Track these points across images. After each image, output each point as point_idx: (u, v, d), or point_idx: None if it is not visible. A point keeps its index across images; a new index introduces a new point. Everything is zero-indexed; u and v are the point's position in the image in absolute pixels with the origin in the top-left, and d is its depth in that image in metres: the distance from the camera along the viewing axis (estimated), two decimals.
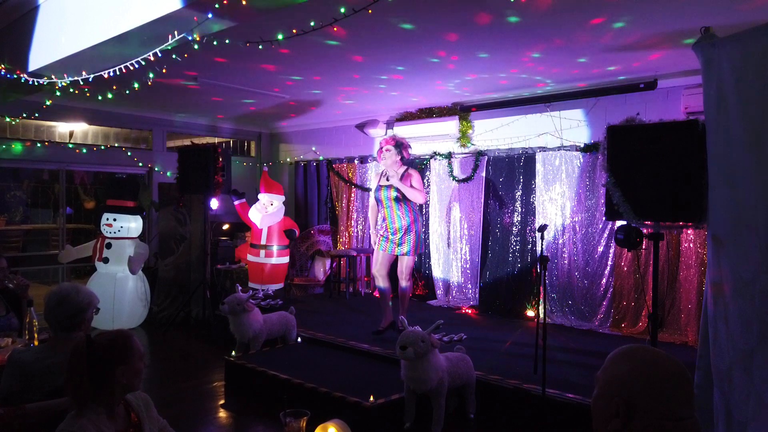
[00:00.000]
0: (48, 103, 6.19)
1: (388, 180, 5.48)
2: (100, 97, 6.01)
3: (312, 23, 3.77)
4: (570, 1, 3.71)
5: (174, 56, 4.38)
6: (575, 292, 6.19)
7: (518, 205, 6.67)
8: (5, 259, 3.89)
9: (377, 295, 5.98)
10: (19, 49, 5.27)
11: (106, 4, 4.33)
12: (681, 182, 3.09)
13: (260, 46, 4.16)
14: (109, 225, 6.85)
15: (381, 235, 5.52)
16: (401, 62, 5.28)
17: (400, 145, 5.50)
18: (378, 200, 5.56)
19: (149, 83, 5.26)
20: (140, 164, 8.33)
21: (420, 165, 7.33)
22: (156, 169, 8.48)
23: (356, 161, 8.39)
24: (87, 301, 2.52)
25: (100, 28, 4.33)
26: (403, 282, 5.47)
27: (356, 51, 4.94)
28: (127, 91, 5.50)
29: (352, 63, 5.33)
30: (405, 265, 5.46)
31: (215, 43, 4.13)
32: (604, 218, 5.63)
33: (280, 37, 3.98)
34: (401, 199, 5.39)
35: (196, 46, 4.08)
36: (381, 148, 5.53)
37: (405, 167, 5.55)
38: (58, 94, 5.40)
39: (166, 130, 8.72)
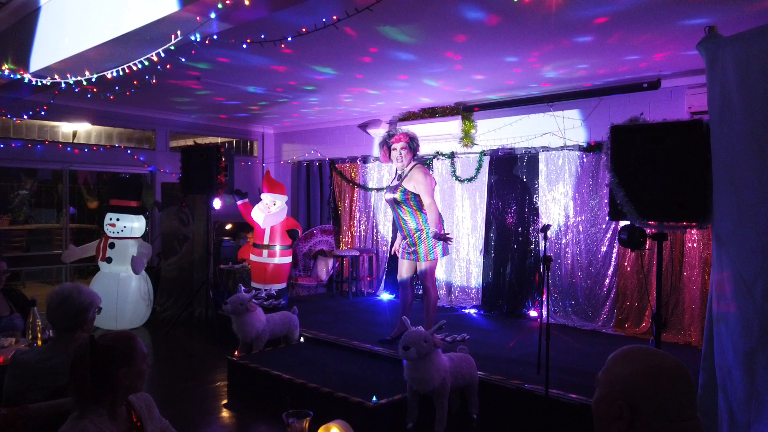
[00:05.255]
0: (51, 101, 6.21)
1: (399, 179, 5.15)
2: (104, 96, 6.03)
3: (315, 24, 3.77)
4: (573, 2, 3.70)
5: (181, 57, 4.38)
6: (578, 293, 6.17)
7: (521, 205, 6.65)
8: (5, 263, 3.90)
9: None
10: (22, 50, 5.28)
11: (109, 4, 4.33)
12: (685, 182, 3.07)
13: (262, 45, 4.16)
14: (113, 225, 6.86)
15: (402, 242, 5.23)
16: (405, 63, 5.27)
17: (414, 141, 5.14)
18: (387, 202, 5.31)
19: (154, 81, 5.26)
20: (145, 164, 8.34)
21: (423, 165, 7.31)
22: (159, 169, 8.50)
23: (359, 161, 8.39)
24: (89, 301, 2.52)
25: (103, 29, 4.34)
26: (425, 289, 5.14)
27: (360, 51, 4.93)
28: (133, 90, 5.51)
29: (356, 63, 5.32)
30: (421, 271, 5.11)
31: (217, 40, 4.13)
32: (607, 218, 5.63)
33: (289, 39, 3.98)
34: (400, 201, 5.06)
35: (197, 42, 4.08)
36: (389, 146, 5.16)
37: (412, 164, 5.14)
38: (57, 91, 5.39)
39: (169, 130, 8.74)
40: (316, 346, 5.47)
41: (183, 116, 8.61)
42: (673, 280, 5.58)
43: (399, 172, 5.22)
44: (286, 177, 9.45)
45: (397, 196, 5.08)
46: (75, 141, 8.27)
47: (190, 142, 8.22)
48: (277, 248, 7.06)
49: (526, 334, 5.69)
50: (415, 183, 5.03)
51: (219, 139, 9.50)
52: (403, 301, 5.29)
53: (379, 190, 8.05)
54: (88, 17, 4.54)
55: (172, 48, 4.09)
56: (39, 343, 3.11)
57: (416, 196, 5.04)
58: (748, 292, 2.49)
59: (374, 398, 3.83)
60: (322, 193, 8.95)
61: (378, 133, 7.97)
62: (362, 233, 8.39)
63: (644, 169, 3.24)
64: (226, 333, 5.58)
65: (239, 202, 7.27)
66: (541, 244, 4.31)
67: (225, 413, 4.46)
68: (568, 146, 6.24)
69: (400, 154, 5.11)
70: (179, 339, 6.61)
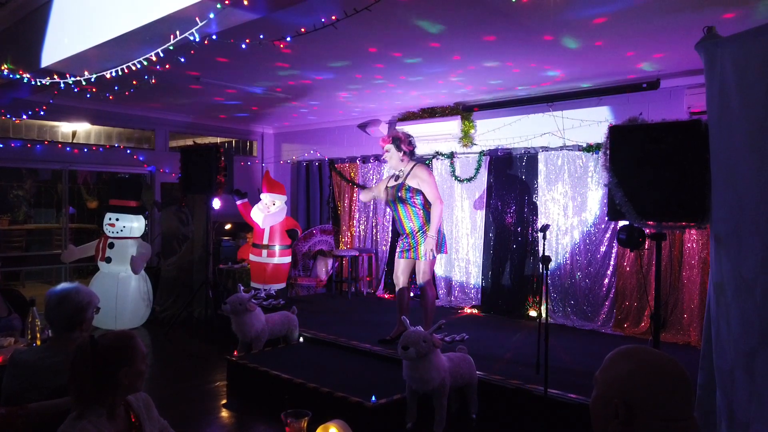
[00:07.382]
0: (50, 101, 6.21)
1: (396, 180, 5.21)
2: (103, 96, 6.03)
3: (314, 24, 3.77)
4: (572, 2, 3.70)
5: (180, 57, 4.38)
6: (578, 293, 6.18)
7: (520, 205, 6.66)
8: None
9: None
10: (21, 50, 5.27)
11: (108, 4, 4.33)
12: (683, 182, 3.07)
13: (260, 44, 4.16)
14: (112, 225, 6.86)
15: (399, 241, 5.28)
16: (406, 63, 5.27)
17: (398, 140, 5.14)
18: (387, 202, 5.32)
19: (153, 81, 5.26)
20: (144, 164, 8.34)
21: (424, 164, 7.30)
22: (159, 169, 8.50)
23: (358, 161, 8.39)
24: (87, 300, 2.52)
25: (102, 29, 4.34)
26: (422, 289, 5.11)
27: (360, 50, 4.93)
28: (132, 90, 5.50)
29: (356, 62, 5.32)
30: (420, 270, 5.09)
31: (214, 39, 4.13)
32: (606, 218, 5.62)
33: (288, 39, 3.98)
34: (405, 200, 5.08)
35: (197, 42, 4.08)
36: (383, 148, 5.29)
37: (412, 164, 5.17)
38: (57, 91, 5.39)
39: (168, 130, 8.74)
40: (316, 346, 5.47)
41: (183, 116, 8.61)
42: (672, 280, 5.59)
43: (396, 172, 5.25)
44: (285, 177, 9.44)
45: (402, 194, 5.10)
46: (74, 141, 8.26)
47: (189, 142, 8.21)
48: (277, 248, 7.06)
49: (526, 334, 5.69)
50: (419, 180, 5.07)
51: (219, 139, 9.50)
52: (400, 300, 5.28)
53: None
54: (87, 17, 4.54)
55: (171, 48, 4.09)
56: (38, 342, 3.11)
57: (420, 194, 5.07)
58: (749, 291, 2.49)
59: (373, 398, 3.83)
60: (321, 193, 8.95)
61: (377, 133, 7.98)
62: (362, 233, 8.39)
63: (643, 169, 3.25)
64: (226, 333, 5.58)
65: (239, 202, 7.28)
66: (540, 244, 4.32)
67: (224, 413, 4.46)
68: (568, 146, 6.24)
69: (387, 157, 5.24)
70: (179, 339, 6.61)
